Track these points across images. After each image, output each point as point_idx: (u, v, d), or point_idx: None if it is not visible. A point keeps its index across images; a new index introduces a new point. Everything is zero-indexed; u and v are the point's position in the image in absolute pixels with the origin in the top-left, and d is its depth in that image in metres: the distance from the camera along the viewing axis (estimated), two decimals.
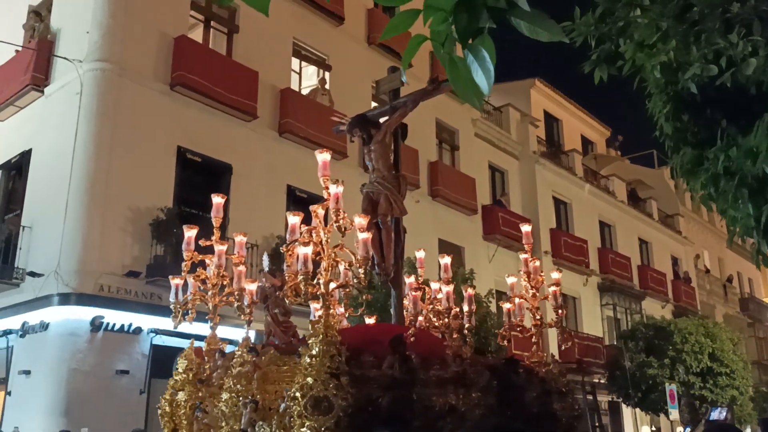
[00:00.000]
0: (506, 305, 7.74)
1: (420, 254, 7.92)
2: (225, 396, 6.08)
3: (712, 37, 4.07)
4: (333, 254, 5.74)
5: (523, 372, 6.93)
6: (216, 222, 7.09)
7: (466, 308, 7.16)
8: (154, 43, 14.50)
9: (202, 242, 6.92)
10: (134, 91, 14.00)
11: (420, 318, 7.25)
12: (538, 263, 7.83)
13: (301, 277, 5.54)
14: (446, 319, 6.80)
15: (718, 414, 21.41)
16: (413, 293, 6.63)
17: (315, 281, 5.56)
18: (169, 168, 14.27)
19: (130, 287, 13.09)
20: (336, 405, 5.12)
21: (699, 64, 4.05)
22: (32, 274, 13.03)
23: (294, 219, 6.08)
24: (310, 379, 5.21)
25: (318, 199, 19.53)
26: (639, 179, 33.83)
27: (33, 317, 12.85)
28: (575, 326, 25.23)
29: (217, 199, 7.14)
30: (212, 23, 16.29)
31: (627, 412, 25.06)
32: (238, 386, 5.96)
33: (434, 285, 7.65)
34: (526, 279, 7.59)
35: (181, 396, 6.76)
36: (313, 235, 5.76)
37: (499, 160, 24.40)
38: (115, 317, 12.81)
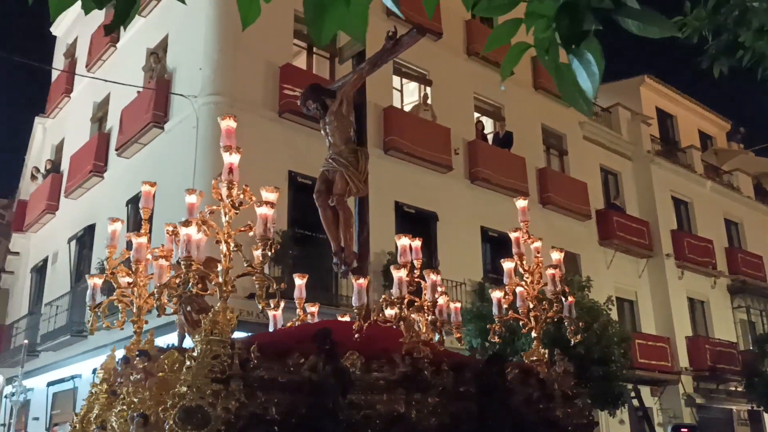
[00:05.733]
0: (495, 294, 6.61)
1: (403, 242, 6.61)
2: (117, 409, 5.26)
3: None
4: (227, 235, 4.87)
5: (516, 372, 5.88)
6: (144, 213, 6.31)
7: (428, 296, 6.12)
8: (262, 73, 15.10)
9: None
10: (246, 121, 14.53)
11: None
12: (538, 243, 6.64)
13: (182, 263, 4.74)
14: (399, 310, 5.58)
15: None
16: (357, 282, 5.49)
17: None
18: (282, 192, 14.68)
19: (251, 309, 13.57)
20: (213, 417, 4.28)
21: None
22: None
23: (191, 198, 5.37)
24: (184, 387, 4.38)
25: (425, 215, 19.44)
26: (766, 172, 31.65)
27: (161, 341, 13.55)
28: (705, 332, 23.86)
29: (146, 188, 6.34)
30: (314, 49, 16.77)
31: None
32: (134, 398, 5.11)
33: (425, 278, 6.42)
34: (519, 262, 6.54)
35: (95, 411, 5.86)
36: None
37: (611, 162, 23.58)
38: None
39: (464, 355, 5.95)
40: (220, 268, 4.92)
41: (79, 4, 1.66)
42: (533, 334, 6.54)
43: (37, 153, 23.69)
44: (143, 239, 6.05)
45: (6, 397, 18.46)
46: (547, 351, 6.56)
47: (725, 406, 23.05)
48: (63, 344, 17.27)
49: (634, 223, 22.49)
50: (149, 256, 6.11)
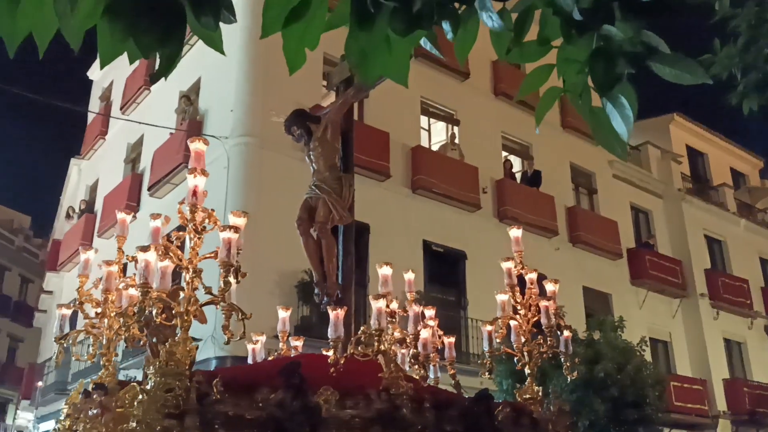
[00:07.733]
0: (487, 327, 6.35)
1: (384, 271, 6.23)
2: None
3: None
4: (190, 263, 4.64)
5: (507, 411, 5.49)
6: (119, 242, 6.01)
7: (410, 329, 5.78)
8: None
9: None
10: (275, 161, 14.80)
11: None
12: (533, 275, 6.35)
13: (138, 291, 4.54)
14: (376, 344, 5.15)
15: None
16: (333, 313, 5.16)
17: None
18: None
19: (281, 348, 13.55)
20: None
21: None
22: (192, 339, 13.84)
23: (155, 223, 5.15)
24: (134, 423, 4.07)
25: (454, 254, 19.21)
26: None
27: None
28: (743, 374, 23.20)
29: (121, 215, 6.08)
30: None
31: None
32: None
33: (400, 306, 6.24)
34: (511, 294, 6.23)
35: None
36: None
37: (641, 200, 23.36)
38: None
39: (451, 392, 5.78)
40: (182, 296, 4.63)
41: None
42: (527, 371, 6.25)
43: (72, 193, 24.22)
44: (113, 268, 5.73)
45: None
46: (540, 389, 6.34)
47: None
48: None
49: (666, 262, 22.15)
50: (121, 285, 5.78)
